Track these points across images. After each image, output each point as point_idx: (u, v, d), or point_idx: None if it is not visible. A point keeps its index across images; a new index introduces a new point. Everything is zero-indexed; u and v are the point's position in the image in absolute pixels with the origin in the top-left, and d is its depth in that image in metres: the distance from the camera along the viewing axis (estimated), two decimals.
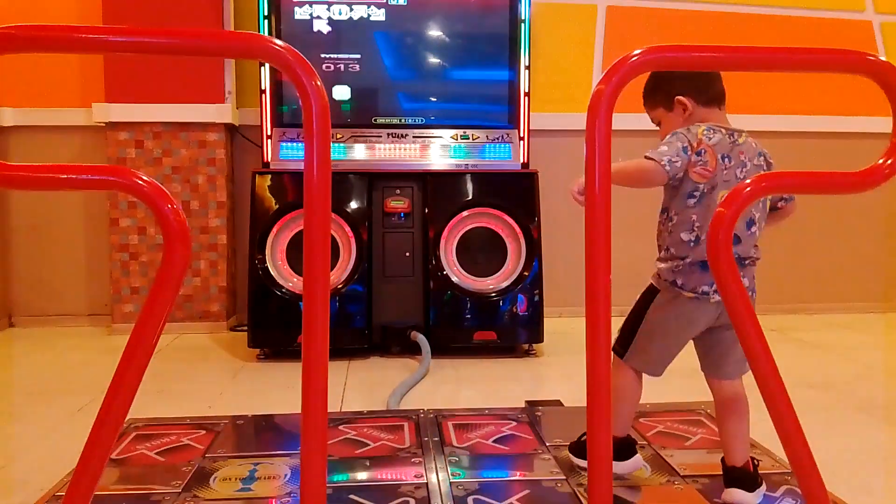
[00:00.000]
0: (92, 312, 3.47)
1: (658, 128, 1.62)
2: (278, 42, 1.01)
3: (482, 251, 2.94)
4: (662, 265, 1.52)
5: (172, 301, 1.01)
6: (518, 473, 1.71)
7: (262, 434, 2.01)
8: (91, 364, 2.79)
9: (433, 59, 3.11)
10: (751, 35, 3.62)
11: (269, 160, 2.99)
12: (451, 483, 1.61)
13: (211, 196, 3.32)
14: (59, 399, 2.28)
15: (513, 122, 3.06)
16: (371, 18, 3.04)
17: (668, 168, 1.42)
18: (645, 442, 1.86)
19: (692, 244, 1.46)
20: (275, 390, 2.43)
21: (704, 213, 1.44)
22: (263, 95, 2.98)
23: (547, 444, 1.83)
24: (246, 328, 2.90)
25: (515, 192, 2.97)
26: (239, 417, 2.08)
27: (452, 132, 3.06)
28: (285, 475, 1.67)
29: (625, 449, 1.61)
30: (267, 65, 2.90)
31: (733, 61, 1.17)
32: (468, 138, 3.05)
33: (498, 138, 3.06)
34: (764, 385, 1.10)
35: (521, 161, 3.03)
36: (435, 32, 3.11)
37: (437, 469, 1.69)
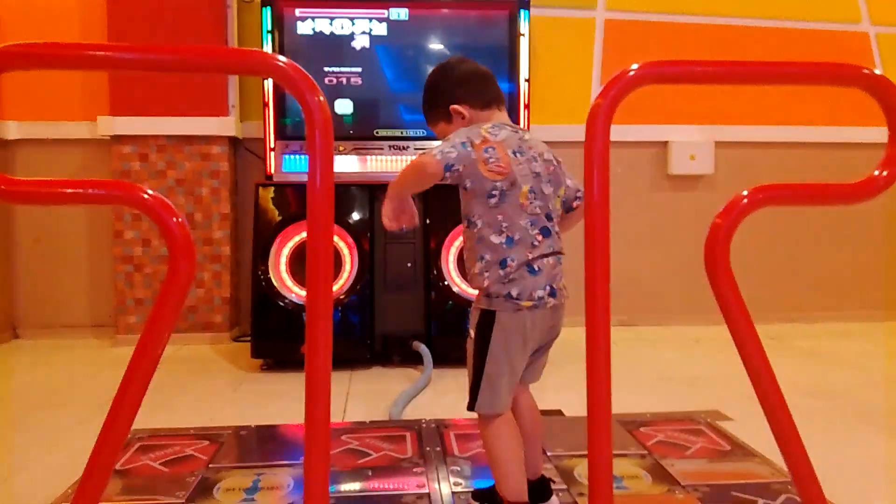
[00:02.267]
0: (96, 324, 3.49)
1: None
2: (281, 58, 1.03)
3: None
4: (487, 280, 1.36)
5: (177, 313, 1.03)
6: None
7: (265, 444, 2.02)
8: (95, 375, 2.80)
9: None
10: (748, 47, 3.65)
11: (272, 172, 3.02)
12: (453, 493, 1.62)
13: (214, 208, 3.35)
14: (63, 410, 2.30)
15: None
16: (373, 33, 3.07)
17: (439, 157, 1.34)
18: (646, 451, 1.87)
19: (506, 245, 1.36)
20: (277, 401, 2.44)
21: (509, 212, 1.37)
22: (266, 109, 3.01)
23: (548, 454, 1.84)
24: (249, 339, 2.91)
25: None
26: (242, 428, 2.09)
27: None
28: (288, 485, 1.68)
29: (540, 490, 1.49)
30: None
31: (731, 75, 1.19)
32: None
33: None
34: (762, 394, 1.11)
35: None
36: (435, 46, 3.14)
37: (440, 479, 1.70)
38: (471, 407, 1.39)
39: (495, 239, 1.36)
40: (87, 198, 1.10)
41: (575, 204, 1.49)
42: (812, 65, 1.17)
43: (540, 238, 1.38)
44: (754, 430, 1.95)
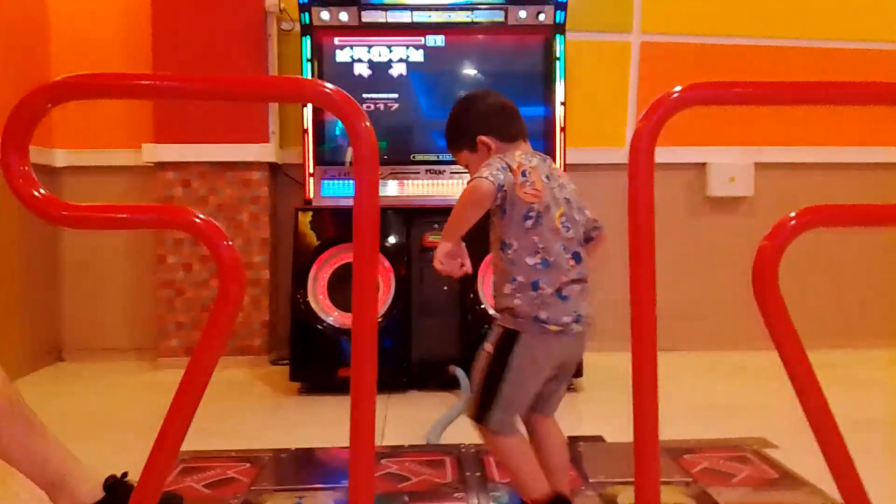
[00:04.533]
0: (137, 347, 3.54)
1: (467, 171, 1.59)
2: (329, 86, 1.05)
3: None
4: (517, 301, 1.39)
5: (227, 335, 1.05)
6: None
7: (305, 467, 2.02)
8: (136, 399, 2.84)
9: None
10: (786, 68, 3.61)
11: (311, 197, 3.06)
12: None
13: (254, 233, 3.40)
14: (107, 434, 2.33)
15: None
16: (410, 59, 3.11)
17: (490, 178, 1.37)
18: (691, 479, 1.83)
19: (539, 267, 1.39)
20: (316, 424, 2.44)
21: (545, 234, 1.40)
22: (306, 135, 3.06)
23: (590, 481, 1.81)
24: (287, 362, 2.93)
25: None
26: (282, 451, 2.09)
27: None
28: None
29: None
30: (309, 105, 2.98)
31: (773, 96, 1.18)
32: None
33: None
34: (815, 422, 1.08)
35: None
36: (470, 71, 3.18)
37: None
38: (479, 420, 1.42)
39: (530, 260, 1.39)
40: (140, 222, 1.13)
41: (594, 234, 1.51)
42: (858, 85, 1.15)
43: (572, 263, 1.41)
44: (802, 459, 1.90)
